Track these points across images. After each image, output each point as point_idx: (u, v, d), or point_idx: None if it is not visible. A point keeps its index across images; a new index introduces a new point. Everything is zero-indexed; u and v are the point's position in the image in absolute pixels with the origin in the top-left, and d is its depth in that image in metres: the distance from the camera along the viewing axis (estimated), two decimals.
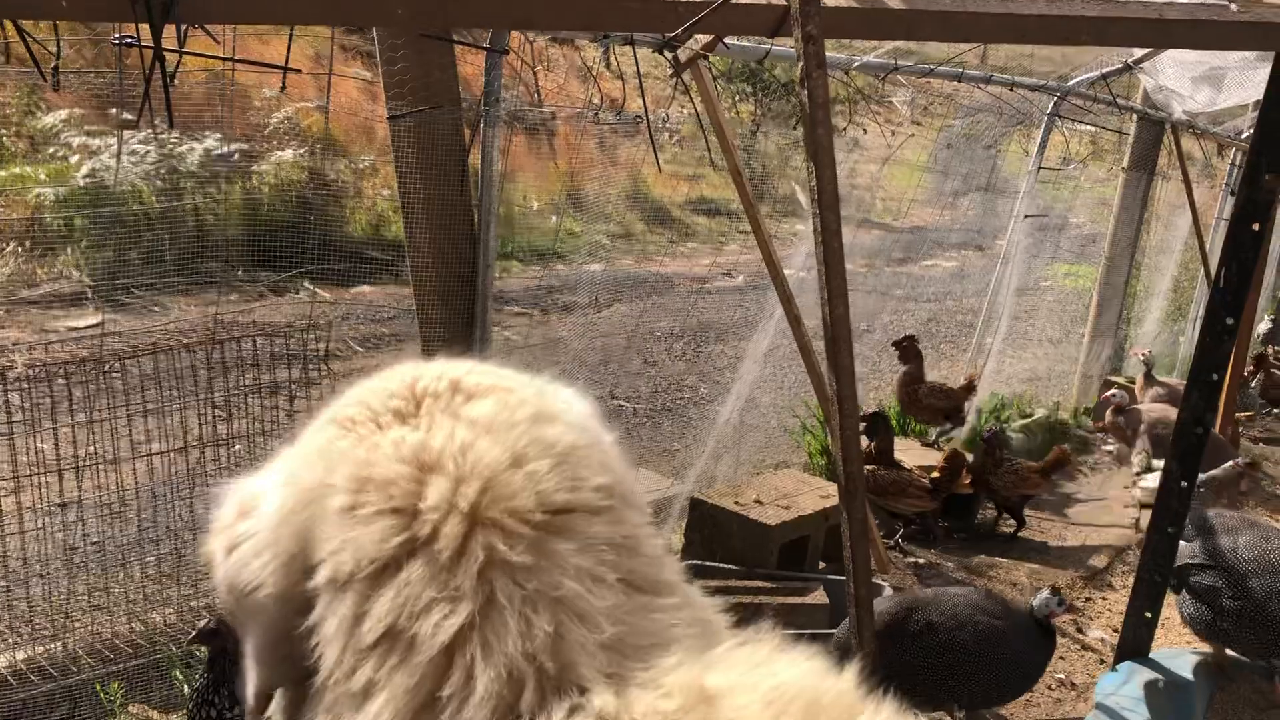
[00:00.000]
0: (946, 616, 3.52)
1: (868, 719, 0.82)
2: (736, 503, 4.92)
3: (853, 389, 2.65)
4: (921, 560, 5.40)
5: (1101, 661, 4.54)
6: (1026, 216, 6.27)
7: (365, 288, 10.41)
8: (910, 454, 6.12)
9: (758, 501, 4.98)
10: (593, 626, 0.83)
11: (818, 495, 5.22)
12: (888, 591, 4.57)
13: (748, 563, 4.77)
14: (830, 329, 2.60)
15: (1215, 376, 3.24)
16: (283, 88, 7.41)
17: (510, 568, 0.84)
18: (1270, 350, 9.65)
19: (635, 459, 6.41)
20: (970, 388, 6.58)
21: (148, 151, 9.35)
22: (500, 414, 0.93)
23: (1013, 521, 5.88)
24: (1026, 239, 6.49)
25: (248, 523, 0.94)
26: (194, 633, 2.97)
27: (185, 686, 3.55)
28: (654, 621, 0.86)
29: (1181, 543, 3.57)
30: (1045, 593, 3.63)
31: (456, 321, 3.74)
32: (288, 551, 0.90)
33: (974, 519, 5.96)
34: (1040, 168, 6.24)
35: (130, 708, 3.56)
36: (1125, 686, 3.36)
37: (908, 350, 6.41)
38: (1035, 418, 7.17)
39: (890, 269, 17.68)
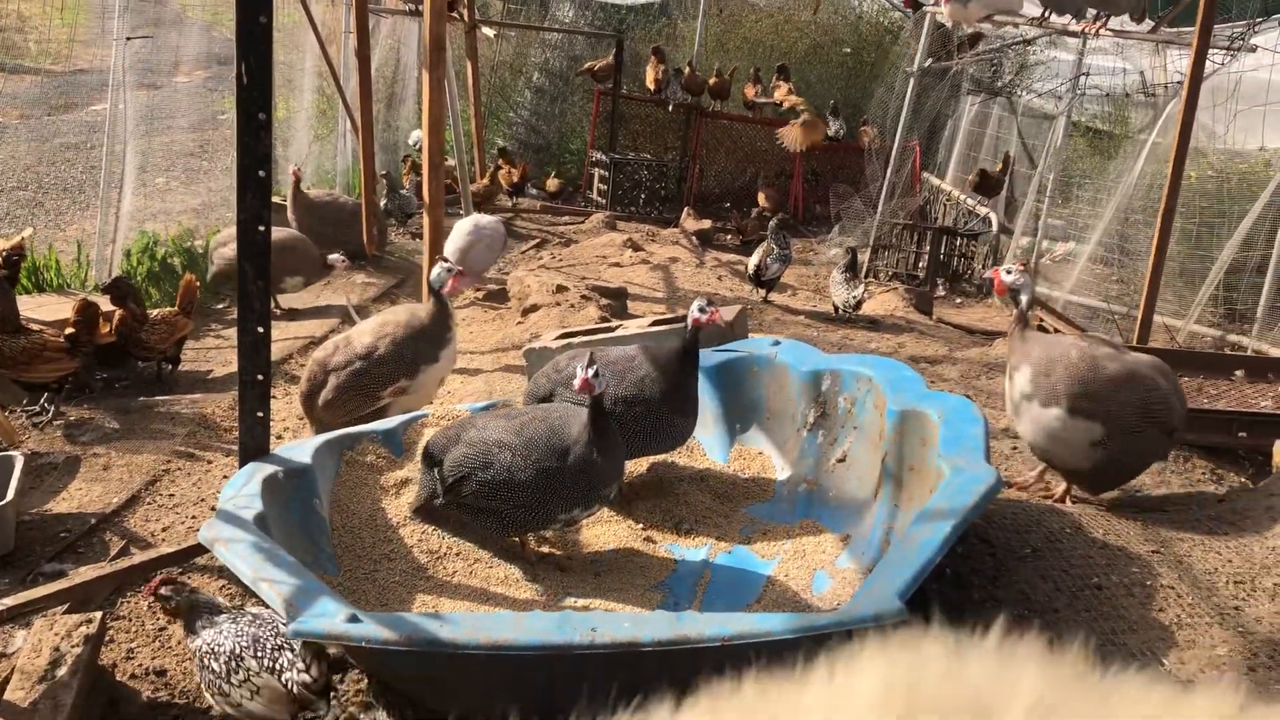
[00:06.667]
0: None
1: None
2: None
3: None
4: (74, 418, 5.04)
5: None
6: (128, 39, 5.87)
7: None
8: (46, 309, 5.61)
9: None
10: None
11: None
12: (20, 462, 4.18)
13: None
14: None
15: (263, 173, 3.32)
16: None
17: None
18: (417, 153, 10.54)
19: None
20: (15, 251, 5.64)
21: None
22: None
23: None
24: (138, 69, 6.10)
25: None
26: None
27: None
28: None
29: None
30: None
31: None
32: None
33: (135, 364, 5.70)
34: None
35: None
36: (246, 486, 3.45)
37: None
38: (192, 248, 7.00)
39: (50, 117, 15.93)
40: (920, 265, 9.78)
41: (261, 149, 3.26)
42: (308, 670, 2.79)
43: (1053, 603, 3.28)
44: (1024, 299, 4.13)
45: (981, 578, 3.48)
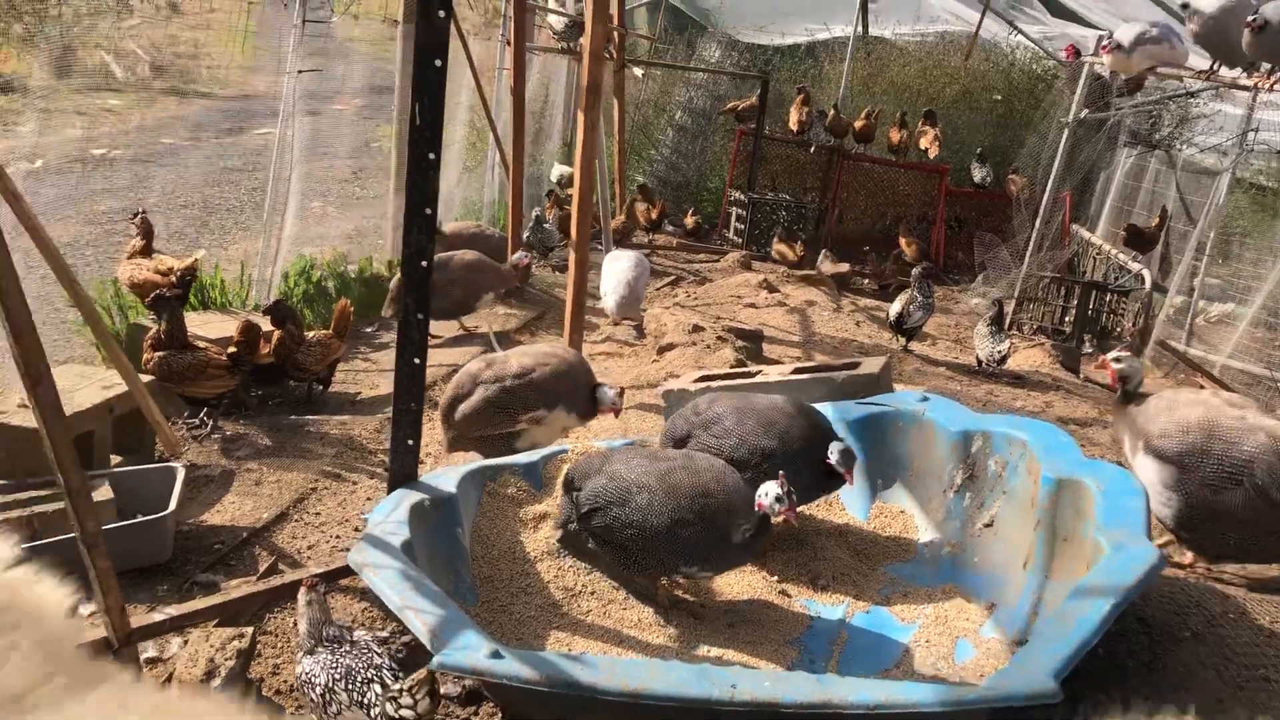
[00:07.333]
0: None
1: None
2: None
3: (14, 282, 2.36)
4: (230, 433, 5.26)
5: None
6: (300, 72, 6.15)
7: None
8: (210, 327, 5.88)
9: (21, 405, 4.48)
10: None
11: (99, 387, 4.83)
12: (181, 474, 4.38)
13: (20, 473, 4.30)
14: None
15: (429, 210, 3.42)
16: None
17: None
18: (559, 188, 10.73)
19: None
20: (189, 272, 6.12)
21: None
22: None
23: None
24: (304, 97, 6.39)
25: None
26: None
27: None
28: None
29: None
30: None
31: None
32: None
33: (288, 383, 5.91)
34: (305, 20, 6.13)
35: None
36: (394, 513, 3.53)
37: (142, 226, 6.23)
38: (345, 272, 7.25)
39: (217, 140, 16.74)
40: (1066, 320, 9.46)
41: (430, 188, 3.36)
42: (414, 707, 2.76)
43: (1216, 693, 3.10)
44: (1132, 385, 4.22)
45: (1136, 660, 3.31)
